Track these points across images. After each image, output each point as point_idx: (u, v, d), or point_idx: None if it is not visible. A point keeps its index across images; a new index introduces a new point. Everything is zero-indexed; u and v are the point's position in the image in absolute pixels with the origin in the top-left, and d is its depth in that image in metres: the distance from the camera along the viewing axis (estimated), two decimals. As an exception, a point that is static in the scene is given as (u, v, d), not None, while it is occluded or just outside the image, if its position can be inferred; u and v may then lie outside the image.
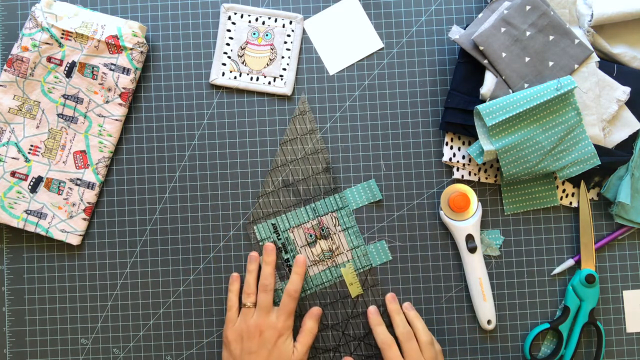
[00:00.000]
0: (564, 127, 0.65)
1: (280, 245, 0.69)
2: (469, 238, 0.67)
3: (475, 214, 0.67)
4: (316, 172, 0.69)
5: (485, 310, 0.67)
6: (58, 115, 0.68)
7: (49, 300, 0.69)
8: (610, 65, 0.67)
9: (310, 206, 0.69)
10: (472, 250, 0.66)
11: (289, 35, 0.70)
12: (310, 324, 0.66)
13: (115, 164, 0.70)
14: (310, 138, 0.69)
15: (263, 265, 0.67)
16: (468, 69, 0.67)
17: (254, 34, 0.70)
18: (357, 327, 0.68)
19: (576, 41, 0.66)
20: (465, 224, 0.67)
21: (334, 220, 0.69)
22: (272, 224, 0.69)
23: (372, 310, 0.67)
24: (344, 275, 0.68)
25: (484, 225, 0.69)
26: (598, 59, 0.67)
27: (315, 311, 0.67)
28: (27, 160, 0.68)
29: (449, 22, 0.70)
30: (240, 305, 0.67)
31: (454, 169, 0.69)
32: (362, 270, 0.69)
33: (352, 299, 0.69)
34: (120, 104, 0.68)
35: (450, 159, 0.68)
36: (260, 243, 0.69)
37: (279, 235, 0.69)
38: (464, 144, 0.69)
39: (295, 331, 0.66)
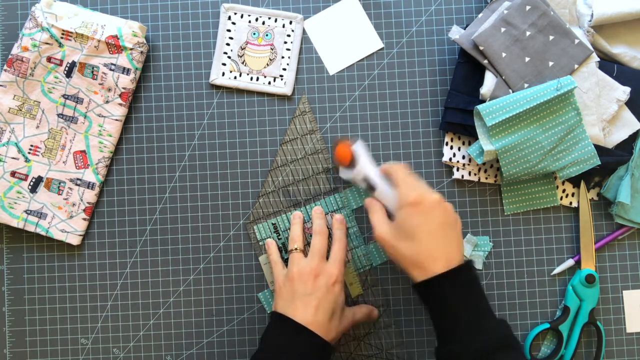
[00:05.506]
0: (564, 127, 0.65)
1: (280, 245, 0.69)
2: (365, 180, 0.64)
3: (358, 158, 0.64)
4: (316, 172, 0.69)
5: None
6: (58, 115, 0.68)
7: (49, 300, 0.69)
8: (610, 65, 0.67)
9: (310, 206, 0.69)
10: (372, 189, 0.63)
11: (289, 35, 0.70)
12: (367, 310, 0.66)
13: (115, 164, 0.70)
14: (310, 138, 0.69)
15: (314, 220, 0.66)
16: (468, 69, 0.67)
17: (254, 34, 0.70)
18: (357, 327, 0.68)
19: (576, 41, 0.66)
20: (357, 170, 0.64)
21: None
22: (272, 224, 0.69)
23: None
24: (345, 275, 0.68)
25: (479, 225, 0.69)
26: (598, 59, 0.67)
27: (370, 310, 0.67)
28: (27, 160, 0.68)
29: (449, 22, 0.70)
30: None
31: (454, 169, 0.69)
32: (362, 270, 0.69)
33: (352, 299, 0.69)
34: (120, 104, 0.68)
35: (450, 159, 0.68)
36: (261, 243, 0.69)
37: (279, 235, 0.69)
38: (464, 144, 0.69)
39: None
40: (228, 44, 0.70)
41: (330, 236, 0.67)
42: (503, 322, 0.56)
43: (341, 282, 0.62)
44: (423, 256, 0.56)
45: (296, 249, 0.64)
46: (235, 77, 0.70)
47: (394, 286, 0.69)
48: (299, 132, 0.70)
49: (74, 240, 0.68)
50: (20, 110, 0.68)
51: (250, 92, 0.70)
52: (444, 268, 0.55)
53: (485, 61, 0.66)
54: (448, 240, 0.57)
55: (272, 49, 0.70)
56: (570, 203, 0.69)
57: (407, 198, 0.58)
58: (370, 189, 0.64)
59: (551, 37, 0.66)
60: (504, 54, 0.65)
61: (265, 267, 0.69)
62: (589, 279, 0.66)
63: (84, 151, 0.69)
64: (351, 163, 0.64)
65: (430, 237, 0.56)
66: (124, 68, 0.68)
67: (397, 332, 0.69)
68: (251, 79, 0.70)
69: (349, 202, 0.69)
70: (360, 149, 0.64)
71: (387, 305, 0.69)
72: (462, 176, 0.69)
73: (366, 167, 0.64)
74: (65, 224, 0.68)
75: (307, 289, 0.60)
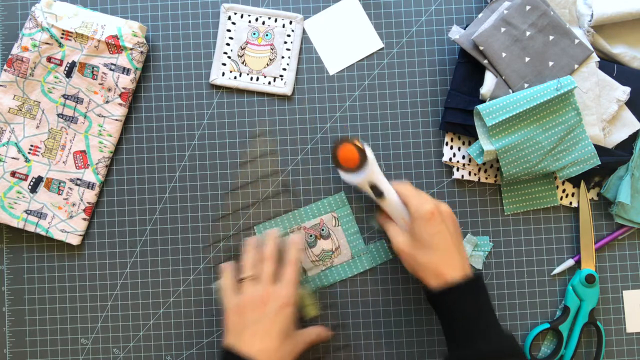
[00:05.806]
0: (564, 127, 0.65)
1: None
2: (373, 187, 0.63)
3: (367, 164, 0.62)
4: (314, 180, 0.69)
5: None
6: (58, 115, 0.68)
7: (49, 300, 0.69)
8: (610, 65, 0.67)
9: (310, 206, 0.69)
10: (380, 195, 0.63)
11: (289, 35, 0.70)
12: (318, 330, 0.64)
13: (115, 164, 0.70)
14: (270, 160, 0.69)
15: (266, 245, 0.63)
16: (468, 69, 0.67)
17: (254, 34, 0.70)
18: (313, 351, 0.68)
19: (576, 41, 0.66)
20: (364, 174, 0.63)
21: (334, 220, 0.69)
22: (273, 225, 0.69)
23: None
24: (300, 296, 0.65)
25: (479, 225, 0.69)
26: (598, 59, 0.67)
27: (321, 330, 0.65)
28: (27, 160, 0.68)
29: (449, 22, 0.70)
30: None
31: (454, 169, 0.69)
32: (318, 289, 0.69)
33: (307, 320, 0.67)
34: (120, 104, 0.68)
35: (450, 159, 0.68)
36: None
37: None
38: (464, 144, 0.69)
39: None
40: (228, 44, 0.70)
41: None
42: (511, 335, 0.58)
43: (292, 304, 0.60)
44: (442, 265, 0.58)
45: (249, 277, 0.61)
46: (235, 77, 0.70)
47: (393, 286, 0.69)
48: (259, 153, 0.70)
49: (74, 240, 0.68)
50: (20, 110, 0.68)
51: (250, 92, 0.70)
52: (461, 276, 0.58)
53: (485, 61, 0.66)
54: (461, 248, 0.60)
55: (272, 49, 0.70)
56: (570, 203, 0.69)
57: (422, 210, 0.59)
58: (377, 195, 0.63)
59: (551, 37, 0.66)
60: (504, 54, 0.65)
61: (220, 293, 0.63)
62: (589, 279, 0.66)
63: (84, 151, 0.69)
64: (358, 166, 0.62)
65: (446, 246, 0.59)
66: (124, 68, 0.68)
67: (353, 356, 0.68)
68: (251, 79, 0.70)
69: (349, 202, 0.69)
70: (370, 153, 0.63)
71: (343, 326, 0.68)
72: (462, 176, 0.69)
73: (377, 173, 0.63)
74: (65, 224, 0.68)
75: (256, 316, 0.58)
